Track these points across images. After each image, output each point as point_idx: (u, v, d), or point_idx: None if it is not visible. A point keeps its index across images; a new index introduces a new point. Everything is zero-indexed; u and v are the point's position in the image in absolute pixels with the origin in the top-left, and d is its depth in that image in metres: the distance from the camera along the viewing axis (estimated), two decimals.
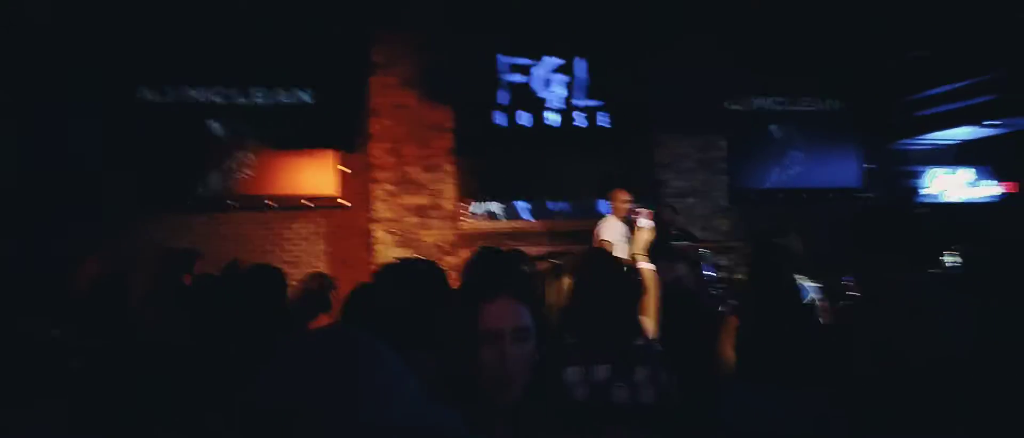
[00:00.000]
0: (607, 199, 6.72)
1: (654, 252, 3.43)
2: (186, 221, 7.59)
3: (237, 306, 2.38)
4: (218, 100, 7.77)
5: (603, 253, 2.93)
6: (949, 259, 4.24)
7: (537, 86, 8.18)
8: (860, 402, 2.20)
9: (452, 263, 7.73)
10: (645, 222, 3.49)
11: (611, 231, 6.50)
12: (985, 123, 8.94)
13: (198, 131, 7.67)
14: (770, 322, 2.28)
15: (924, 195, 10.18)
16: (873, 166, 9.65)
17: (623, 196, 6.56)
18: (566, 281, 3.21)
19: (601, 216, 8.53)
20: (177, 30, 7.40)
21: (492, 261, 3.24)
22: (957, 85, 8.60)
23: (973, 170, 10.29)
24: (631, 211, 6.36)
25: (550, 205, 8.37)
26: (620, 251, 6.03)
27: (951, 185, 10.27)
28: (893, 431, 1.91)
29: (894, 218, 2.29)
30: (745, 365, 2.25)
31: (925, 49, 8.43)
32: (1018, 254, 2.55)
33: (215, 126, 7.75)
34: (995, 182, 10.20)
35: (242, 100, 7.83)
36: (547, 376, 1.45)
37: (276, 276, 2.66)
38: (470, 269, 3.50)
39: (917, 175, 10.23)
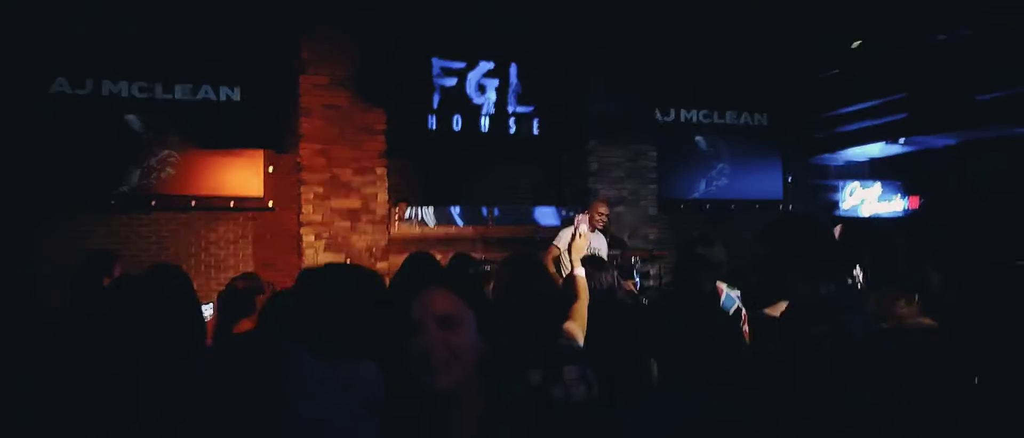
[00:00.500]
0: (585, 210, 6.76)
1: (585, 259, 3.48)
2: (105, 221, 7.27)
3: (150, 309, 2.26)
4: (139, 95, 7.44)
5: (522, 258, 2.95)
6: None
7: (471, 91, 8.20)
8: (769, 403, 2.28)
9: (383, 269, 7.67)
10: (585, 228, 3.53)
11: (565, 239, 6.58)
12: (894, 141, 9.42)
13: (118, 127, 7.33)
14: (690, 329, 2.33)
15: (842, 209, 10.65)
16: (793, 179, 10.05)
17: (601, 208, 6.65)
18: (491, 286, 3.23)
19: (536, 223, 8.66)
20: (96, 20, 7.09)
21: (425, 261, 3.23)
22: (871, 104, 9.04)
23: (884, 185, 10.83)
24: (592, 221, 6.47)
25: (483, 211, 8.38)
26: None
27: (865, 199, 10.78)
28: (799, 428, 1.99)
29: (807, 228, 2.37)
30: (665, 370, 2.30)
31: (840, 68, 8.84)
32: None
33: (135, 122, 7.43)
34: (903, 197, 10.77)
35: (165, 95, 7.53)
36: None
37: (179, 277, 2.53)
38: (401, 269, 3.47)
39: (835, 189, 10.71)
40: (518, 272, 2.74)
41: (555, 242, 6.47)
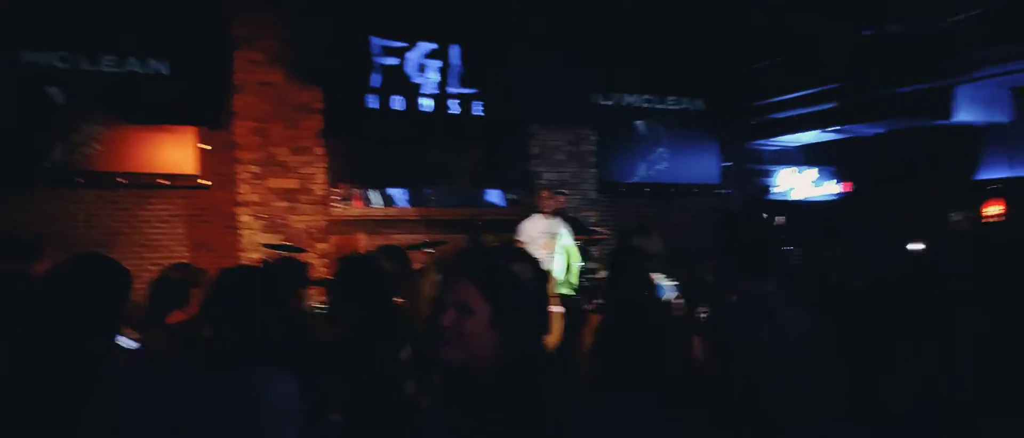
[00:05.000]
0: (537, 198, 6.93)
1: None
2: (27, 198, 6.94)
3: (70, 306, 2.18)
4: (61, 66, 7.10)
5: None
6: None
7: (411, 70, 8.09)
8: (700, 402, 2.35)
9: (323, 249, 7.57)
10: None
11: (530, 229, 6.68)
12: (827, 129, 9.73)
13: (38, 99, 6.99)
14: (627, 323, 2.38)
15: (775, 193, 10.98)
16: (730, 164, 10.28)
17: (544, 194, 6.84)
18: (436, 277, 3.21)
19: (480, 204, 8.66)
20: None
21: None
22: (803, 92, 9.31)
23: (817, 170, 11.19)
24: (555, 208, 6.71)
25: (426, 192, 8.30)
26: (538, 248, 6.22)
27: (798, 184, 11.13)
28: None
29: (749, 224, 2.43)
30: (603, 366, 2.34)
31: (774, 57, 9.06)
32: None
33: (58, 94, 7.09)
34: (836, 182, 11.15)
35: (89, 67, 7.20)
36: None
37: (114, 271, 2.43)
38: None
39: (769, 174, 11.02)
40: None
41: (518, 236, 6.63)
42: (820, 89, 9.15)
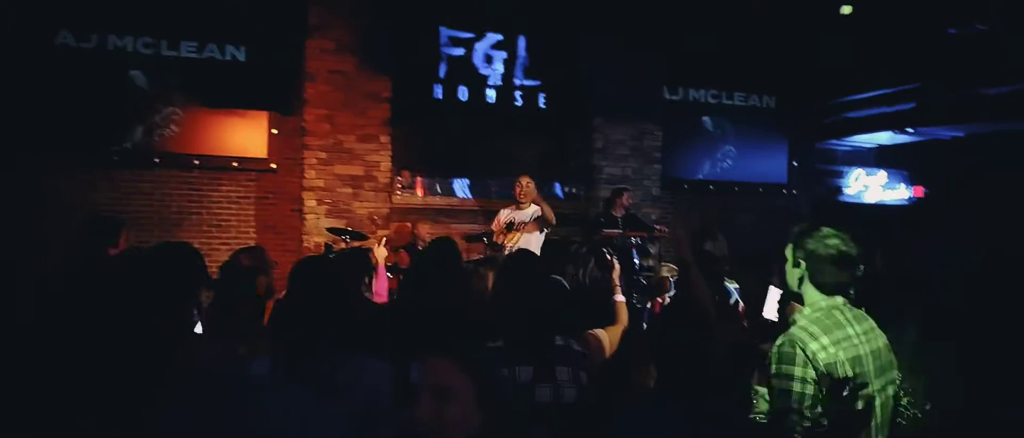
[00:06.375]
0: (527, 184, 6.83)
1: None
2: (107, 176, 7.27)
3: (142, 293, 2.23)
4: (145, 51, 7.39)
5: (527, 254, 2.95)
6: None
7: (478, 61, 8.12)
8: None
9: (383, 235, 7.68)
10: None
11: (500, 220, 6.75)
12: (903, 130, 9.37)
13: (122, 82, 7.29)
14: (694, 329, 2.32)
15: (845, 195, 10.63)
16: (798, 163, 10.00)
17: (523, 180, 6.78)
18: (490, 275, 3.24)
19: (544, 197, 8.64)
20: None
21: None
22: (880, 92, 8.97)
23: (890, 173, 10.79)
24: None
25: (487, 183, 8.34)
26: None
27: (869, 186, 10.75)
28: None
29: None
30: (662, 370, 2.29)
31: (852, 56, 8.75)
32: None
33: (140, 77, 7.39)
34: (908, 186, 10.73)
35: (171, 52, 7.48)
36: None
37: (190, 260, 2.47)
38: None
39: (840, 174, 10.67)
40: (515, 267, 2.75)
41: (494, 226, 6.76)
42: (898, 89, 8.80)
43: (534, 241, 6.56)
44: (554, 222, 6.71)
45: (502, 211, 6.89)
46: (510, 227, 6.63)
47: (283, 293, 2.53)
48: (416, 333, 2.51)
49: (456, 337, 2.35)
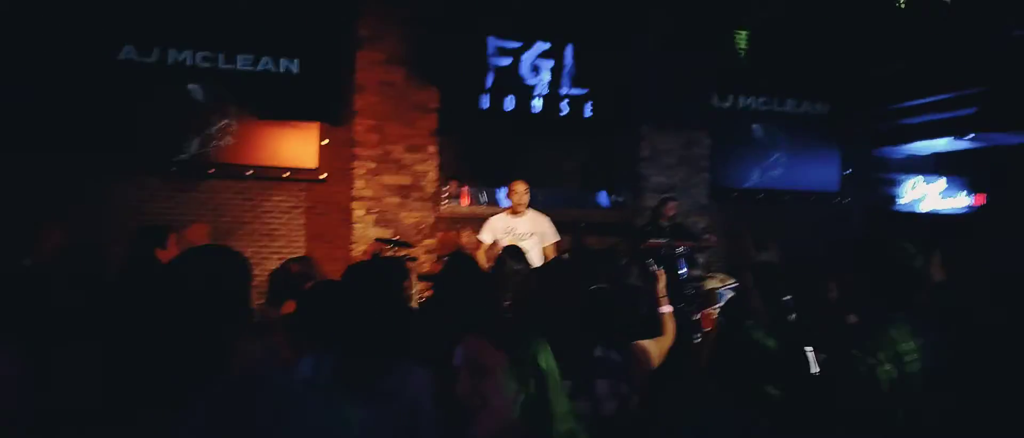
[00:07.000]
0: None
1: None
2: (163, 186, 7.52)
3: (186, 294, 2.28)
4: (203, 64, 7.63)
5: (562, 265, 2.94)
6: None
7: (524, 71, 8.15)
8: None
9: (429, 245, 7.77)
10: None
11: (496, 228, 6.39)
12: (963, 136, 9.06)
13: (180, 94, 7.54)
14: (759, 348, 2.27)
15: (901, 204, 10.32)
16: (852, 171, 9.76)
17: (518, 187, 6.47)
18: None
19: (586, 206, 8.62)
20: None
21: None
22: (939, 97, 8.70)
23: (948, 180, 10.44)
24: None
25: (533, 192, 8.31)
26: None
27: (927, 194, 10.42)
28: None
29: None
30: (719, 383, 2.25)
31: (909, 60, 8.51)
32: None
33: (197, 90, 7.63)
34: (968, 194, 10.37)
35: (227, 66, 7.70)
36: None
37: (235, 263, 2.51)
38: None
39: (895, 182, 10.37)
40: (552, 280, 2.75)
41: (482, 233, 6.43)
42: (957, 94, 8.52)
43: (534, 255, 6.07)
44: (556, 250, 6.43)
45: (496, 218, 6.55)
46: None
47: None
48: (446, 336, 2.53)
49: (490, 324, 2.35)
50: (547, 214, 6.75)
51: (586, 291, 2.73)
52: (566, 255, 6.74)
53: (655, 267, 3.44)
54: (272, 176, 7.85)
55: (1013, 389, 2.27)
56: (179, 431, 1.72)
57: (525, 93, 8.10)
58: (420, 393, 2.05)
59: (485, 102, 7.98)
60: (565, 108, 8.24)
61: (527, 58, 8.14)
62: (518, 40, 8.10)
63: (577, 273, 2.83)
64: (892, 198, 10.33)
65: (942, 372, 2.14)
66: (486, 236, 6.39)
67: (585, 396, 2.33)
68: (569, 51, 8.26)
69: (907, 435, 1.94)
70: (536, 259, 5.85)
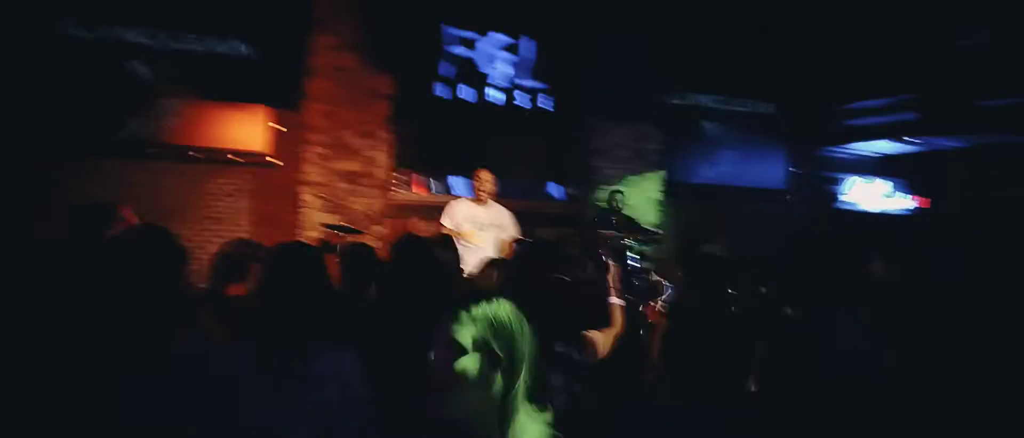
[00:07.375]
0: (471, 178, 6.46)
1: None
2: (101, 166, 7.22)
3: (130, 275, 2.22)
4: (144, 41, 7.34)
5: (529, 257, 2.90)
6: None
7: (481, 61, 8.10)
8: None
9: (380, 232, 7.67)
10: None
11: (457, 214, 6.23)
12: (906, 139, 9.34)
13: (123, 73, 7.25)
14: (704, 335, 2.28)
15: (842, 202, 10.61)
16: (797, 170, 9.97)
17: (483, 175, 6.32)
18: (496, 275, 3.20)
19: (539, 197, 8.62)
20: None
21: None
22: (883, 101, 8.94)
23: (890, 182, 10.76)
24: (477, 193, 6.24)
25: None
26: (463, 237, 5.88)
27: (868, 195, 10.72)
28: None
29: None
30: (671, 376, 2.25)
31: (854, 62, 8.73)
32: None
33: (142, 69, 7.35)
34: (909, 196, 10.70)
35: (174, 45, 7.43)
36: None
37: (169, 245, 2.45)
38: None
39: (838, 182, 10.65)
40: (511, 272, 2.71)
41: (443, 218, 6.24)
42: (902, 98, 8.78)
43: (491, 247, 6.06)
44: (513, 243, 6.27)
45: (459, 204, 6.36)
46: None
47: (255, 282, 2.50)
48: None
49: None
50: (503, 204, 6.65)
51: (549, 284, 2.69)
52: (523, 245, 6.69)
53: (606, 259, 3.43)
54: (217, 159, 7.62)
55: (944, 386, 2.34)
56: (121, 415, 1.67)
57: (480, 83, 8.06)
58: (350, 377, 2.02)
59: (439, 90, 7.90)
60: (520, 99, 8.22)
61: (483, 48, 8.08)
62: (475, 29, 8.03)
63: (545, 265, 2.78)
64: (836, 197, 10.61)
65: (876, 364, 2.19)
66: (447, 221, 6.24)
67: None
68: (525, 43, 8.24)
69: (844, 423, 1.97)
70: (492, 251, 5.80)
